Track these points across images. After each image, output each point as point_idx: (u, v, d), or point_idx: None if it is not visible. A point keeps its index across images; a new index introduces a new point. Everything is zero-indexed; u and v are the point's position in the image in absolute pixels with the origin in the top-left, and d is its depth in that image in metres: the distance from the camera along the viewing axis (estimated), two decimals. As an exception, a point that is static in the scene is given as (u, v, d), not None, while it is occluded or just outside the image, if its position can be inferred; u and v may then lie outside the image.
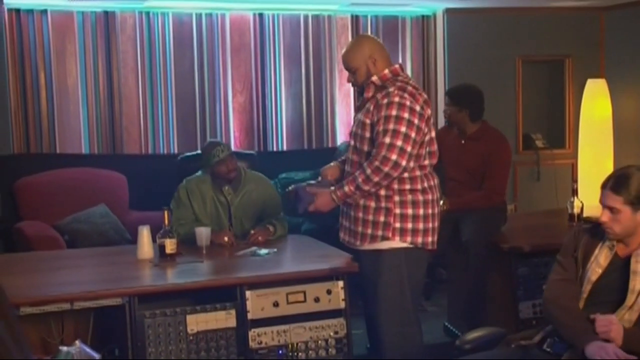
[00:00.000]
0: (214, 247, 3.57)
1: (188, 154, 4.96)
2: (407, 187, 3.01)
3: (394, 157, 2.89)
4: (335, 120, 5.90)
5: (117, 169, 5.22)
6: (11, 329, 0.74)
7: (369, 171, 2.94)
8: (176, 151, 5.46)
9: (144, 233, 3.39)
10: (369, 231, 3.05)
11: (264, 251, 3.44)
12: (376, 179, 2.93)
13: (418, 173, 3.03)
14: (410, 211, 3.01)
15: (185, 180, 3.88)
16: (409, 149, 2.91)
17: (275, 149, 5.81)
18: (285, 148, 5.83)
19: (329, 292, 3.12)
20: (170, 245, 3.35)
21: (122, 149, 5.43)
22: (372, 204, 3.03)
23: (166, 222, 3.38)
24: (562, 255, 2.62)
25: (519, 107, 6.17)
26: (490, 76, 5.94)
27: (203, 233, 3.55)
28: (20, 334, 0.76)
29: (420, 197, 3.02)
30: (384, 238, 3.03)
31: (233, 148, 5.44)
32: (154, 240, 3.40)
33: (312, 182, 3.29)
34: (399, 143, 2.90)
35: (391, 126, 2.91)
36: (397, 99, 2.94)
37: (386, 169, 2.90)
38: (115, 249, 4.04)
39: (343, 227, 3.20)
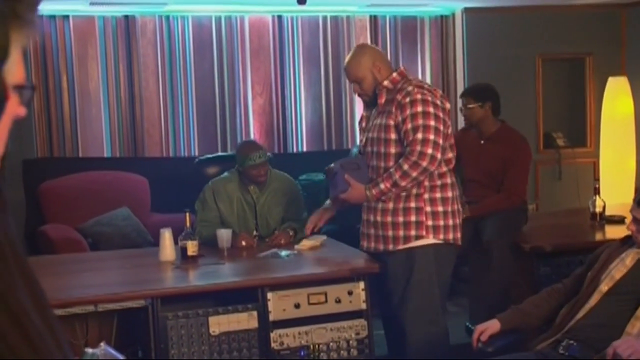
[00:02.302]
0: (235, 249, 3.58)
1: (205, 156, 4.97)
2: (438, 182, 3.04)
3: (429, 150, 2.93)
4: (354, 121, 5.88)
5: (138, 171, 5.24)
6: (46, 320, 0.75)
7: (406, 167, 2.95)
8: (197, 154, 5.48)
9: (166, 235, 3.41)
10: (401, 232, 3.05)
11: (285, 253, 3.44)
12: (414, 174, 2.95)
13: (444, 169, 3.05)
14: (440, 208, 3.04)
15: (211, 182, 3.87)
16: (441, 141, 2.96)
17: (295, 150, 5.81)
18: (305, 149, 5.83)
19: (350, 293, 3.11)
20: (191, 247, 3.35)
21: (143, 152, 5.45)
22: (401, 205, 3.04)
23: (187, 224, 3.39)
24: (581, 267, 2.74)
25: (539, 106, 6.13)
26: (510, 75, 5.91)
27: (224, 235, 3.55)
28: (60, 332, 0.77)
29: (449, 194, 3.06)
30: (418, 237, 3.04)
31: None
32: (175, 242, 3.42)
33: (351, 160, 3.35)
34: (432, 137, 2.94)
35: (420, 122, 2.95)
36: (419, 96, 2.98)
37: (424, 163, 2.93)
38: (138, 251, 4.07)
39: (366, 236, 3.20)
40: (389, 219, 3.06)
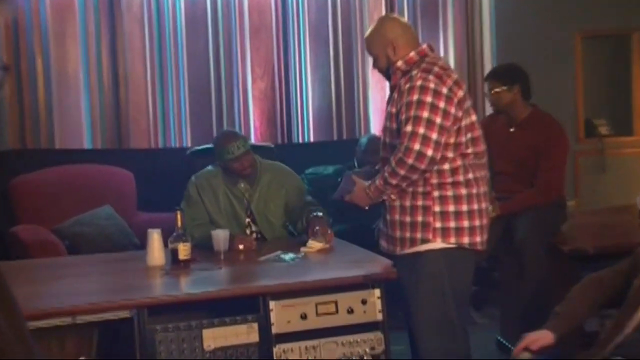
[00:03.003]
0: (233, 252, 3.61)
1: (198, 147, 4.99)
2: (449, 179, 3.01)
3: (416, 146, 2.91)
4: (368, 108, 5.88)
5: (123, 165, 5.24)
6: (14, 327, 0.75)
7: (393, 164, 2.97)
8: (189, 144, 5.50)
9: (154, 237, 3.41)
10: (408, 234, 3.06)
11: (289, 256, 3.44)
12: (402, 172, 2.96)
13: (460, 163, 3.02)
14: (451, 207, 3.01)
15: (194, 176, 3.94)
16: (434, 136, 2.91)
17: (300, 140, 5.82)
18: (311, 140, 5.84)
19: (364, 302, 3.09)
20: (183, 251, 3.35)
21: (128, 143, 5.45)
22: (408, 203, 3.05)
23: (179, 224, 3.39)
24: (624, 263, 2.71)
25: (578, 90, 6.09)
26: (545, 55, 5.88)
27: (220, 236, 3.56)
28: (31, 342, 0.77)
29: (463, 191, 3.02)
30: (424, 240, 3.03)
31: (253, 140, 5.51)
32: (165, 244, 3.42)
33: (367, 168, 3.43)
34: (421, 130, 2.91)
35: (412, 112, 2.94)
36: (419, 82, 2.97)
37: (410, 160, 2.92)
38: (122, 255, 4.07)
39: (382, 233, 3.23)
40: (397, 217, 3.08)
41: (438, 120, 2.92)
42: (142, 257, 3.45)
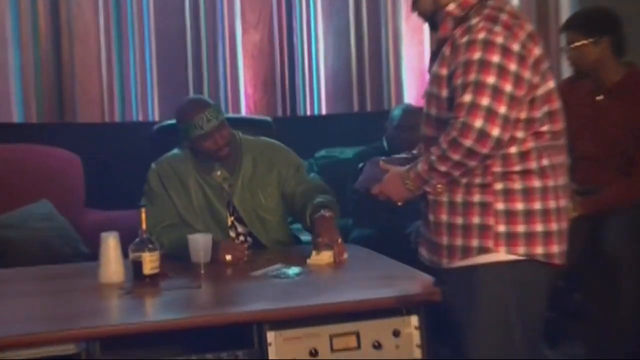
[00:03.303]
0: (218, 264, 3.63)
1: (169, 122, 4.94)
2: (517, 167, 2.98)
3: (478, 123, 2.86)
4: (400, 69, 5.91)
5: (67, 145, 5.27)
6: None
7: (444, 145, 2.93)
8: (156, 118, 5.53)
9: (110, 244, 3.43)
10: (459, 241, 3.03)
11: (293, 270, 3.45)
12: (456, 156, 2.91)
13: (532, 145, 3.00)
14: (520, 205, 2.98)
15: (154, 163, 4.02)
16: (502, 110, 2.87)
17: (308, 112, 5.84)
18: (323, 112, 5.85)
19: (396, 333, 3.10)
20: (150, 263, 3.35)
21: (74, 115, 5.49)
22: (459, 199, 3.02)
23: (144, 226, 3.39)
24: None
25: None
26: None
27: (200, 243, 3.58)
28: None
29: (537, 183, 2.99)
30: (482, 250, 2.99)
31: (244, 111, 5.56)
32: (124, 254, 3.43)
33: (403, 155, 3.39)
34: (486, 102, 2.86)
35: (473, 77, 2.89)
36: (482, 35, 2.92)
37: (468, 142, 2.87)
38: (66, 268, 4.05)
39: (423, 239, 3.21)
40: (444, 217, 3.05)
41: (508, 88, 2.87)
42: (93, 271, 3.46)
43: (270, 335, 2.99)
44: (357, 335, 3.06)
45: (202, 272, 3.52)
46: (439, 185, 3.02)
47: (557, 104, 3.04)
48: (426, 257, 3.17)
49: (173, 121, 4.84)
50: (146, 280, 3.34)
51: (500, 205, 2.97)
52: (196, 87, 5.63)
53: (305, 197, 3.89)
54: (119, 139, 5.44)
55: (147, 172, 3.98)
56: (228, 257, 3.67)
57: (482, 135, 2.85)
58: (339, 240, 3.66)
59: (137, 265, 3.34)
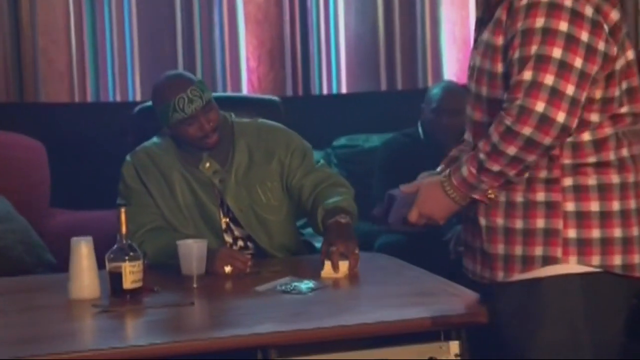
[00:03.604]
0: (215, 276, 3.65)
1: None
2: (591, 159, 2.98)
3: (539, 106, 2.85)
4: (438, 37, 5.92)
5: (28, 130, 5.27)
6: None
7: (496, 137, 2.91)
8: (138, 98, 5.55)
9: (82, 251, 3.43)
10: (518, 250, 3.01)
11: (306, 284, 3.47)
12: (511, 150, 2.89)
13: (610, 130, 2.99)
14: (595, 206, 2.97)
15: (130, 155, 4.04)
16: (571, 91, 2.86)
17: (325, 91, 5.85)
18: (343, 90, 5.86)
19: None
20: (131, 274, 3.38)
21: (37, 94, 5.51)
22: (519, 198, 3.01)
23: (124, 229, 3.42)
24: None
25: None
26: None
27: (193, 251, 3.58)
28: None
29: (615, 178, 2.98)
30: (547, 260, 2.98)
31: (246, 89, 5.58)
32: (100, 264, 3.44)
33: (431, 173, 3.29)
34: (549, 80, 2.86)
35: (534, 48, 2.88)
36: None
37: (527, 130, 2.86)
38: (27, 280, 4.09)
39: (468, 248, 3.21)
40: (499, 220, 3.03)
41: (578, 63, 2.86)
42: (62, 284, 3.46)
43: (279, 364, 3.00)
44: (385, 364, 3.07)
45: (195, 286, 3.52)
46: (489, 191, 3.00)
47: (637, 80, 3.03)
48: (474, 271, 3.15)
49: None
50: (127, 296, 3.35)
51: (570, 206, 2.95)
52: (187, 59, 5.64)
53: (317, 195, 3.88)
54: (91, 124, 5.46)
55: (121, 166, 3.97)
56: (227, 269, 3.66)
57: (545, 120, 2.83)
58: (356, 251, 3.66)
59: (116, 278, 3.36)
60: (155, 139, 4.03)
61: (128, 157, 3.99)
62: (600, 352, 3.01)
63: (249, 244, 3.97)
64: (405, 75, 5.94)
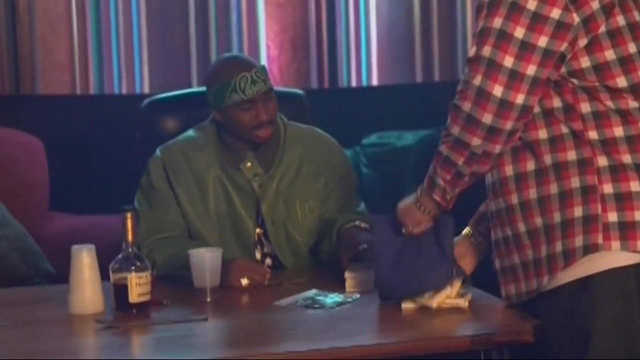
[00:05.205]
0: (230, 289, 3.66)
1: (165, 95, 5.01)
2: (621, 131, 3.01)
3: (476, 81, 2.96)
4: None
5: (25, 126, 5.30)
6: None
7: (448, 121, 3.05)
8: (146, 90, 5.59)
9: (84, 261, 3.43)
10: (558, 246, 3.02)
11: (332, 298, 3.49)
12: (455, 128, 3.02)
13: (634, 104, 3.02)
14: (637, 185, 3.00)
15: (160, 149, 4.02)
16: (513, 64, 2.94)
17: (354, 83, 5.89)
18: (374, 82, 5.90)
19: None
20: (138, 287, 3.37)
21: (34, 86, 5.55)
22: (554, 189, 3.03)
23: (129, 237, 3.39)
24: None
25: None
26: None
27: (206, 260, 3.57)
28: None
29: None
30: (589, 249, 2.99)
31: None
32: (103, 276, 3.44)
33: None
34: (487, 52, 2.96)
35: (483, 22, 2.99)
36: None
37: (466, 104, 2.98)
38: (23, 292, 4.10)
39: (502, 272, 3.23)
40: (538, 220, 3.06)
41: (537, 40, 2.94)
42: (62, 297, 3.46)
43: (302, 386, 3.00)
44: (420, 388, 3.06)
45: (209, 299, 3.52)
46: (446, 189, 3.11)
47: None
48: (519, 293, 3.16)
49: (170, 94, 4.95)
50: (133, 311, 3.35)
51: (608, 187, 2.98)
52: (200, 47, 5.66)
53: (341, 220, 3.88)
54: (95, 119, 5.48)
55: (149, 160, 3.96)
56: (244, 281, 3.66)
57: (493, 102, 2.94)
58: None
59: (121, 291, 3.36)
60: (192, 132, 4.02)
61: (158, 152, 3.98)
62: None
63: (274, 261, 3.96)
64: (444, 65, 5.98)
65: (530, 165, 3.04)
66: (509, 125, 2.93)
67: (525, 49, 2.92)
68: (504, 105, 2.91)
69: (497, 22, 2.94)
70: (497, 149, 2.99)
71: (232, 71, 3.83)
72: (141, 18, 5.67)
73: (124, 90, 5.64)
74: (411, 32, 5.94)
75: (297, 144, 3.98)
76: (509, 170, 3.08)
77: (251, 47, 5.75)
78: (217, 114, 3.90)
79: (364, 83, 5.93)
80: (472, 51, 2.98)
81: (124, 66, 5.66)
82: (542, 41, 2.93)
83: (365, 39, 5.92)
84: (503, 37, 2.93)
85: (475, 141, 2.97)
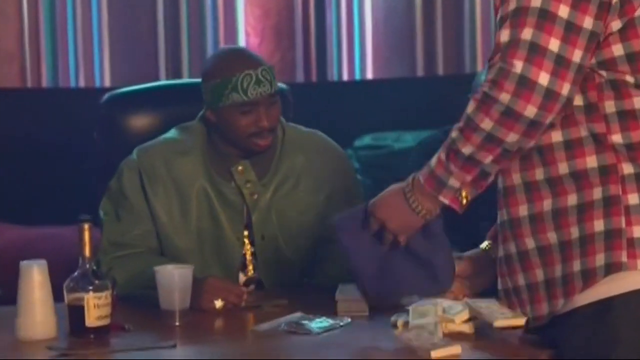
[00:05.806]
0: (202, 312, 3.60)
1: (130, 88, 4.96)
2: None
3: (517, 68, 2.89)
4: (491, 14, 5.91)
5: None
6: None
7: (470, 109, 3.01)
8: (107, 83, 5.64)
9: (35, 279, 3.34)
10: (576, 265, 3.00)
11: (319, 323, 3.41)
12: (486, 122, 2.94)
13: None
14: None
15: (136, 151, 3.94)
16: (560, 48, 2.90)
17: (345, 77, 5.92)
18: (369, 75, 5.92)
19: None
20: (96, 309, 3.30)
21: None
22: (572, 201, 3.00)
23: (87, 251, 3.29)
24: None
25: None
26: None
27: (175, 279, 3.51)
28: None
29: None
30: (610, 269, 2.96)
31: None
32: (57, 296, 3.35)
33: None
34: (528, 35, 2.92)
35: (513, 3, 3.00)
36: None
37: (505, 98, 2.90)
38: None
39: (505, 295, 3.22)
40: (552, 235, 3.05)
41: (571, 15, 2.89)
42: (9, 320, 3.36)
43: None
44: None
45: (178, 323, 3.46)
46: (462, 190, 3.06)
47: None
48: (537, 317, 3.12)
49: (134, 87, 4.92)
50: (90, 336, 3.29)
51: (634, 197, 2.96)
52: (169, 35, 5.72)
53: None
54: (47, 115, 5.51)
55: (122, 164, 3.90)
56: (218, 303, 3.58)
57: (526, 86, 2.88)
58: None
59: (77, 313, 3.29)
60: (175, 134, 3.94)
61: (134, 154, 3.88)
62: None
63: (257, 282, 3.91)
64: (448, 58, 6.04)
65: (542, 173, 3.03)
66: (550, 119, 2.89)
67: (570, 30, 2.90)
68: (550, 96, 2.87)
69: (536, 0, 2.89)
70: (532, 144, 2.97)
71: (234, 67, 3.76)
72: (101, 3, 5.75)
73: (82, 84, 5.70)
74: (412, 19, 6.01)
75: (297, 151, 3.93)
76: (516, 178, 3.10)
77: (228, 34, 5.79)
78: (210, 114, 3.81)
79: (357, 76, 5.98)
80: (504, 34, 2.93)
81: (82, 56, 5.73)
82: (588, 22, 2.90)
83: (359, 26, 5.99)
84: (546, 17, 2.89)
85: (512, 137, 2.91)
